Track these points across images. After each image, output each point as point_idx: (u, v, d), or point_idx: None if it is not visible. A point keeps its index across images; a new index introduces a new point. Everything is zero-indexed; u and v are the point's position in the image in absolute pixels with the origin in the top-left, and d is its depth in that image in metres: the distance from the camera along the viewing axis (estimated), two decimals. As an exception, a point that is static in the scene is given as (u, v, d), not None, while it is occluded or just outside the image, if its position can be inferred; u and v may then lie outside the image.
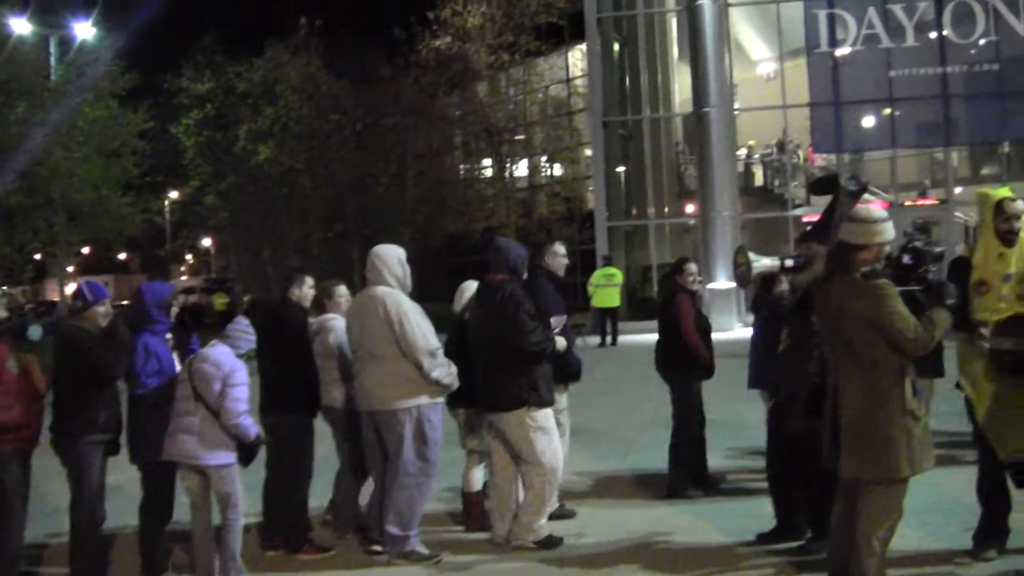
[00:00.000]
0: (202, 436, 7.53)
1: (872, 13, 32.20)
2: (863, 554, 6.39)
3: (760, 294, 9.36)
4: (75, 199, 35.18)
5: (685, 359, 10.11)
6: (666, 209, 37.90)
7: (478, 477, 9.26)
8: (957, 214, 32.86)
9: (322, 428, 9.13)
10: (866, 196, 8.28)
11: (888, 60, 32.56)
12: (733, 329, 29.00)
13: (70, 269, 42.42)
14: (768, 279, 8.86)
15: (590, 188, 42.25)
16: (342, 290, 9.44)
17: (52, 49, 36.85)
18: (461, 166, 51.20)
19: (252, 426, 7.56)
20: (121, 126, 36.37)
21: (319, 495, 9.27)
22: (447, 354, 8.54)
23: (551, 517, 8.81)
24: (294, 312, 8.95)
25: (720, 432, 11.52)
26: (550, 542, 8.48)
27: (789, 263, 8.18)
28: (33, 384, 7.83)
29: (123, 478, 8.71)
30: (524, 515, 8.51)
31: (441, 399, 8.43)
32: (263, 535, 8.84)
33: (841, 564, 6.59)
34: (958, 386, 7.76)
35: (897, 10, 32.17)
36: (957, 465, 9.71)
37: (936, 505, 8.69)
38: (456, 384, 8.37)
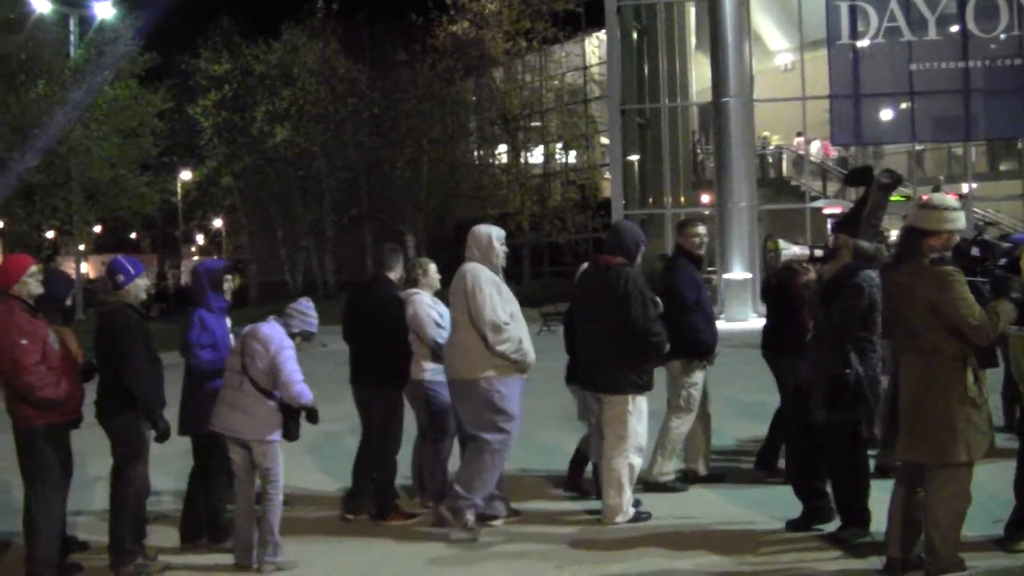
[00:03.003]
0: (247, 411, 7.60)
1: (894, 5, 32.15)
2: (936, 543, 6.57)
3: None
4: (93, 177, 35.22)
5: (798, 343, 10.01)
6: (682, 198, 37.94)
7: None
8: (975, 210, 32.81)
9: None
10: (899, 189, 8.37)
11: (909, 53, 32.49)
12: (748, 320, 28.97)
13: (81, 247, 42.50)
14: (791, 268, 8.91)
15: (605, 176, 42.27)
16: (434, 268, 9.73)
17: (72, 28, 36.87)
18: (476, 152, 51.24)
19: (307, 392, 7.62)
20: (140, 106, 36.41)
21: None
22: (565, 331, 9.17)
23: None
24: (386, 289, 9.19)
25: (738, 421, 11.55)
26: (638, 518, 8.67)
27: (818, 253, 8.26)
28: (72, 358, 7.91)
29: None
30: (608, 498, 8.68)
31: (516, 374, 8.53)
32: (346, 502, 9.25)
33: (897, 546, 6.79)
34: (1007, 381, 7.82)
35: (919, 3, 32.09)
36: (986, 457, 9.73)
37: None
38: (527, 360, 8.48)
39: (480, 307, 8.30)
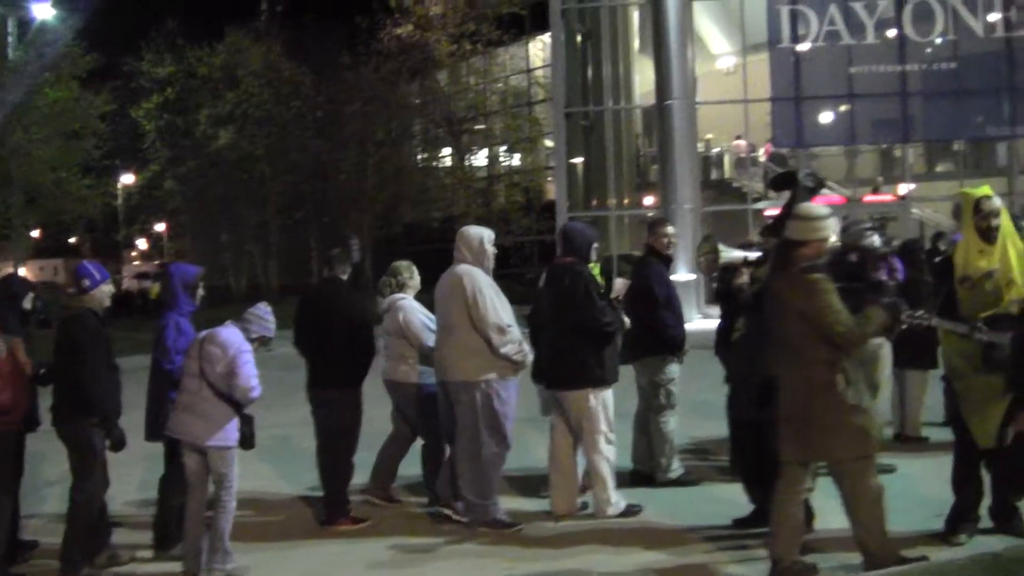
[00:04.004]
0: (204, 416, 7.58)
1: (833, 10, 32.51)
2: (864, 539, 6.73)
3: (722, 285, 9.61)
4: (33, 181, 34.79)
5: None
6: (626, 200, 38.08)
7: None
8: (913, 210, 33.27)
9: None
10: (824, 191, 8.54)
11: (849, 57, 32.94)
12: (692, 320, 29.08)
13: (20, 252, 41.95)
14: (730, 270, 9.04)
15: (549, 178, 42.36)
16: (416, 271, 9.87)
17: (11, 29, 36.42)
18: (421, 155, 51.19)
19: (259, 391, 7.65)
20: (81, 108, 36.01)
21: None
22: (531, 331, 9.25)
23: None
24: (338, 290, 9.32)
25: (693, 420, 11.65)
26: (629, 511, 8.86)
27: (751, 256, 8.41)
28: (21, 367, 7.85)
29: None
30: (597, 492, 8.87)
31: (513, 376, 8.69)
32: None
33: (783, 547, 6.89)
34: (944, 378, 8.01)
35: (858, 8, 32.52)
36: (926, 454, 9.94)
37: (906, 492, 8.90)
38: (527, 360, 8.68)
39: (484, 310, 8.44)
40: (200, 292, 8.52)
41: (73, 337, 7.73)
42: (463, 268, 8.70)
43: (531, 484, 9.99)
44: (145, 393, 8.37)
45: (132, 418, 8.14)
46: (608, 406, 8.94)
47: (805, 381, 6.66)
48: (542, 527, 8.71)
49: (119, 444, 7.80)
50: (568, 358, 8.80)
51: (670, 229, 10.06)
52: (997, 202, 7.66)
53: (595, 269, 11.47)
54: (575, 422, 8.92)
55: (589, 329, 8.70)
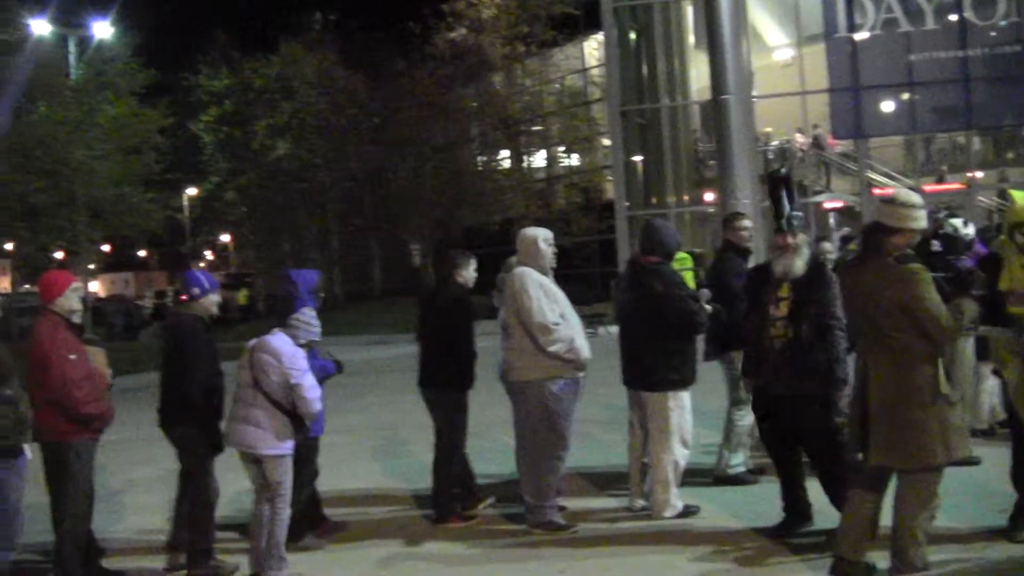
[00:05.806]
0: (259, 424, 7.64)
1: (891, -4, 32.22)
2: (907, 544, 6.43)
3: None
4: (97, 196, 35.24)
5: None
6: (685, 197, 37.89)
7: None
8: (980, 198, 32.75)
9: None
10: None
11: (908, 44, 32.54)
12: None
13: (91, 267, 42.53)
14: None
15: (608, 178, 42.21)
16: None
17: (71, 48, 36.96)
18: (478, 158, 51.18)
19: (318, 405, 7.74)
20: (141, 123, 36.40)
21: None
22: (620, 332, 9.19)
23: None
24: (457, 291, 9.29)
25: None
26: (687, 512, 8.75)
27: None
28: (103, 376, 8.11)
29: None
30: (657, 493, 8.79)
31: (569, 376, 8.61)
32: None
33: (848, 545, 6.65)
34: (996, 372, 7.78)
35: (916, -7, 32.17)
36: (988, 448, 9.71)
37: (969, 488, 8.68)
38: (580, 358, 8.56)
39: (528, 310, 8.42)
40: (321, 295, 8.65)
41: (180, 341, 8.00)
42: (517, 270, 8.73)
43: (602, 481, 10.06)
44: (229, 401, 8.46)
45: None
46: (686, 407, 8.87)
47: (900, 377, 6.33)
48: (598, 528, 8.64)
49: (216, 448, 8.01)
50: (649, 360, 8.73)
51: (747, 222, 10.00)
52: None
53: (686, 262, 11.40)
54: (650, 421, 8.85)
55: (684, 328, 8.65)
